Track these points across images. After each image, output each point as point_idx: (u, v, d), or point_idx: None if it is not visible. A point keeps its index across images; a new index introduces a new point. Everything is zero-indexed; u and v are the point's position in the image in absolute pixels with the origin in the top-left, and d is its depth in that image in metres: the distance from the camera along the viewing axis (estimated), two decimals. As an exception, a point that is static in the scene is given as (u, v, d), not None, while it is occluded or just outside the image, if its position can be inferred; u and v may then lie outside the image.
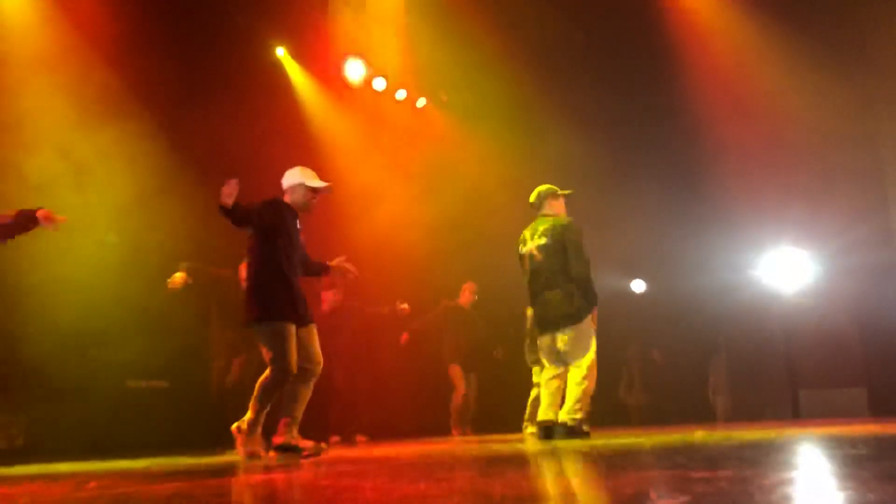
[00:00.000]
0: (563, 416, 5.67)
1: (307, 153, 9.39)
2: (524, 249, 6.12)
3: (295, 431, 4.91)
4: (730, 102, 9.95)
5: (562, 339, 5.87)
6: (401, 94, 10.75)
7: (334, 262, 5.42)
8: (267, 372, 4.84)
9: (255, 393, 4.84)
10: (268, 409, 4.86)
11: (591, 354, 5.87)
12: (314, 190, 5.11)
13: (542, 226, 6.04)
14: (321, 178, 5.21)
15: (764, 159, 10.04)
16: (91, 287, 6.90)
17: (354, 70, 10.20)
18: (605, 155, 10.79)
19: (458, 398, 8.70)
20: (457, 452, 4.84)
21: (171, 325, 7.39)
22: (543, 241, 5.94)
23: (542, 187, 6.28)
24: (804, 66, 9.16)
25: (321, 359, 5.04)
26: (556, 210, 6.15)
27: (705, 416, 11.49)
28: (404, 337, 8.73)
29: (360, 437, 8.21)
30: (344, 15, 9.79)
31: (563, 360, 5.92)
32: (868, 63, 9.79)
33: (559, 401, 5.84)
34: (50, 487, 3.22)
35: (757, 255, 10.88)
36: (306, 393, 4.97)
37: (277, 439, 4.88)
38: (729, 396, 11.44)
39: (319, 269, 5.47)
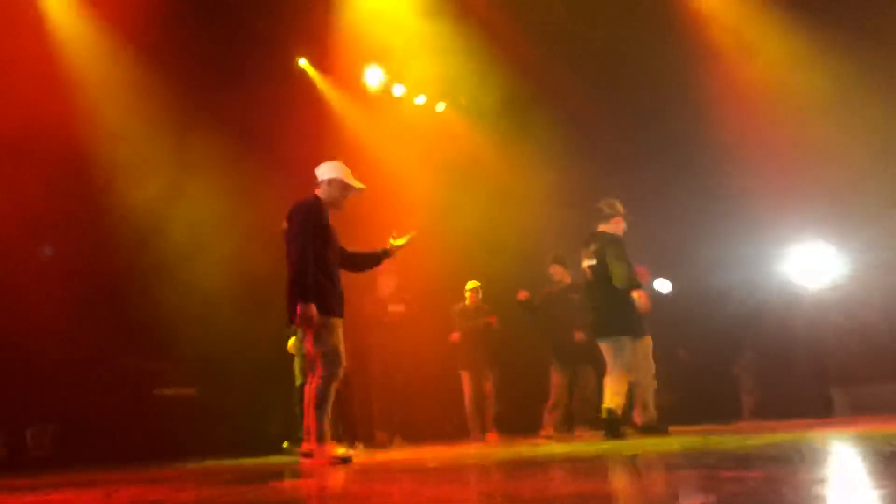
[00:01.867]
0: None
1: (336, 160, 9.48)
2: (583, 265, 6.76)
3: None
4: (754, 96, 9.85)
5: (604, 348, 6.42)
6: (420, 100, 10.78)
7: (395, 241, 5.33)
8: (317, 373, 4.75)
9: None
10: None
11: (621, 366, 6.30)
12: (350, 189, 5.05)
13: (593, 245, 6.65)
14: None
15: (789, 153, 9.93)
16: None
17: (373, 77, 10.24)
18: (626, 154, 10.74)
19: (466, 403, 8.71)
20: (484, 455, 4.83)
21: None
22: (594, 261, 6.58)
23: (610, 203, 6.87)
24: (830, 57, 9.04)
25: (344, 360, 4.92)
26: (611, 228, 6.74)
27: (733, 414, 11.38)
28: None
29: (398, 439, 8.22)
30: (361, 22, 9.82)
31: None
32: (895, 53, 9.65)
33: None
34: (80, 496, 3.25)
35: (783, 250, 10.77)
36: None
37: (305, 446, 4.91)
38: (757, 395, 11.32)
39: (374, 259, 5.45)
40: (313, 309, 4.61)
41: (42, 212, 6.72)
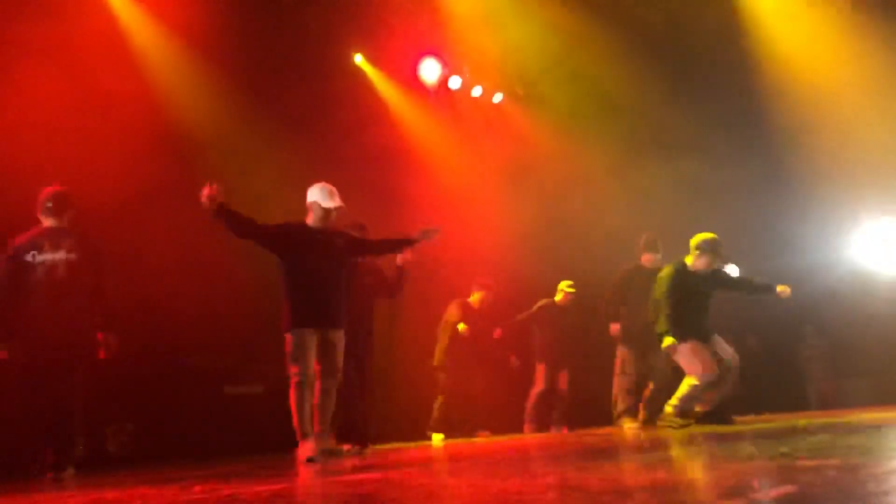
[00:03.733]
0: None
1: (396, 159, 9.56)
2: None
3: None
4: (820, 70, 9.54)
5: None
6: (476, 91, 10.74)
7: (416, 235, 5.67)
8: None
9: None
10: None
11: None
12: (327, 210, 5.41)
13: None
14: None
15: (859, 128, 9.58)
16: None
17: (430, 70, 10.23)
18: (692, 139, 10.53)
19: (533, 394, 8.72)
20: (551, 447, 4.81)
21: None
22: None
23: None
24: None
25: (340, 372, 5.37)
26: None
27: (804, 404, 11.10)
28: (497, 332, 8.66)
29: (481, 433, 8.26)
30: (417, 15, 9.82)
31: None
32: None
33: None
34: (159, 491, 3.34)
35: (856, 231, 10.44)
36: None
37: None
38: (831, 383, 11.02)
39: (398, 246, 5.93)
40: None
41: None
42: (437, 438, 8.00)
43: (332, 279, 5.36)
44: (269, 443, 6.87)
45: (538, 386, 8.73)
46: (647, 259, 8.08)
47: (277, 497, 2.70)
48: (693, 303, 6.76)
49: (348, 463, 4.81)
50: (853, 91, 9.42)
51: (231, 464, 5.60)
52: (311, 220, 5.45)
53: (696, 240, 6.85)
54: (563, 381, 8.74)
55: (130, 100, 7.18)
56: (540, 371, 8.76)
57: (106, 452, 6.65)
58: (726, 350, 6.75)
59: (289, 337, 5.15)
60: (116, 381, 6.66)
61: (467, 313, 8.46)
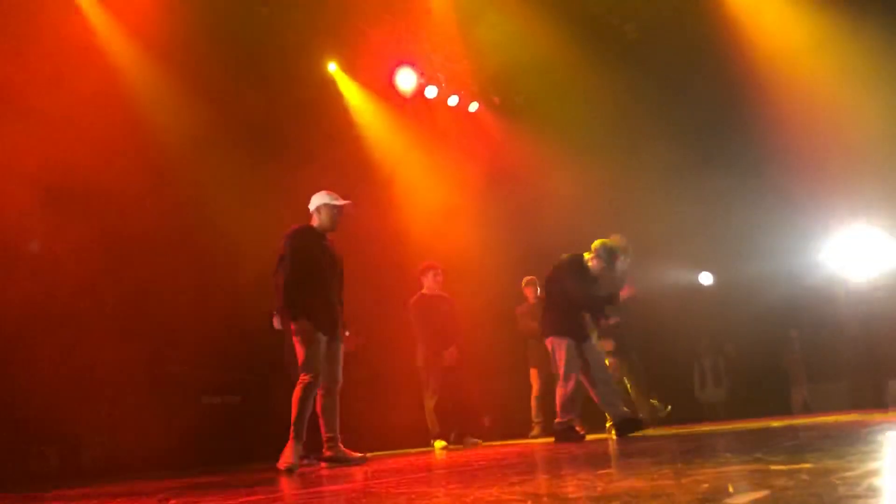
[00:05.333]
0: None
1: (367, 169, 9.55)
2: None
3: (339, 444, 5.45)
4: (794, 78, 9.64)
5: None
6: (453, 101, 10.76)
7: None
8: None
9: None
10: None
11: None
12: (336, 207, 5.54)
13: None
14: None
15: (832, 136, 9.70)
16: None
17: (406, 80, 10.22)
18: (666, 150, 10.62)
19: (533, 399, 8.79)
20: (530, 455, 4.81)
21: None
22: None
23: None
24: (872, 39, 8.83)
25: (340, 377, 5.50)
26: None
27: (783, 409, 11.18)
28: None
29: (472, 439, 8.21)
30: (393, 25, 9.84)
31: None
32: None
33: None
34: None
35: (829, 238, 10.55)
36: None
37: (327, 452, 5.40)
38: (807, 387, 11.12)
39: None
40: (305, 323, 5.20)
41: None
42: (439, 445, 7.90)
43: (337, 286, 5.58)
44: (247, 453, 6.83)
45: (534, 391, 8.78)
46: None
47: (254, 508, 2.69)
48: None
49: (328, 472, 4.79)
50: (830, 96, 9.52)
51: (208, 475, 5.55)
52: (317, 222, 5.55)
53: (597, 242, 6.84)
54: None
55: (101, 106, 7.12)
56: (533, 375, 8.79)
57: (77, 465, 6.57)
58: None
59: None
60: (92, 391, 6.60)
61: (430, 304, 8.26)
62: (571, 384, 6.41)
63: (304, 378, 5.21)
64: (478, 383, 8.60)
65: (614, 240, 7.08)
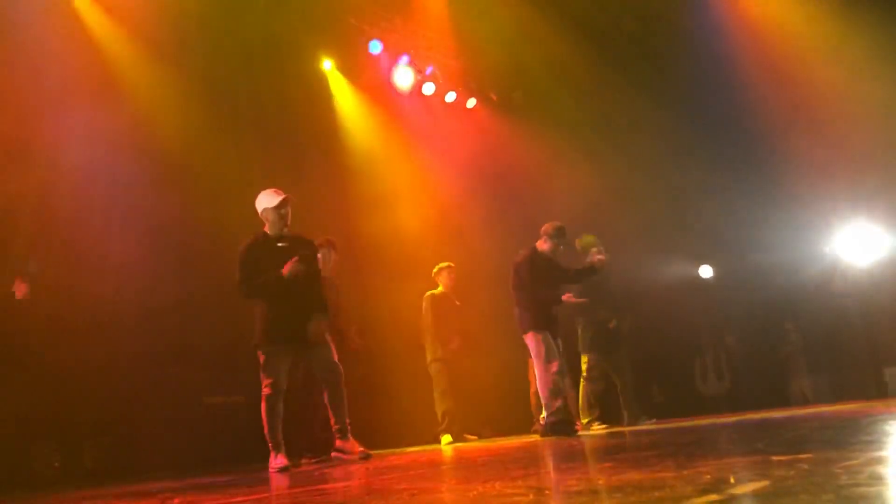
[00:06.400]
0: None
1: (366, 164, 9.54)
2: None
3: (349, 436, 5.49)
4: (796, 75, 9.63)
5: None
6: (450, 97, 10.74)
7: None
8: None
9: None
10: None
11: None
12: (278, 205, 5.40)
13: None
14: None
15: (833, 132, 9.70)
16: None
17: (403, 76, 10.20)
18: (667, 140, 10.61)
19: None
20: (532, 450, 4.81)
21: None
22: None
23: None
24: (874, 34, 8.82)
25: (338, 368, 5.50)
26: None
27: (785, 400, 11.19)
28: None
29: (468, 435, 8.21)
30: (390, 21, 9.82)
31: None
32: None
33: None
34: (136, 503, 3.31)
35: (829, 230, 10.56)
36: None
37: (337, 443, 5.49)
38: (809, 378, 11.13)
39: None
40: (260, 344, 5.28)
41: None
42: (446, 440, 7.91)
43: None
44: (249, 453, 6.82)
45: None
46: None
47: (256, 507, 2.69)
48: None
49: (329, 470, 4.79)
50: (832, 91, 9.51)
51: (210, 475, 5.55)
52: (269, 228, 5.45)
53: (544, 226, 7.06)
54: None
55: (94, 100, 7.10)
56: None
57: (81, 467, 6.56)
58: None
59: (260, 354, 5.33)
60: (94, 392, 6.59)
61: (442, 303, 8.31)
62: (554, 368, 6.53)
63: (263, 390, 5.25)
64: (481, 380, 8.58)
65: (586, 239, 7.57)
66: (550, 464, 3.40)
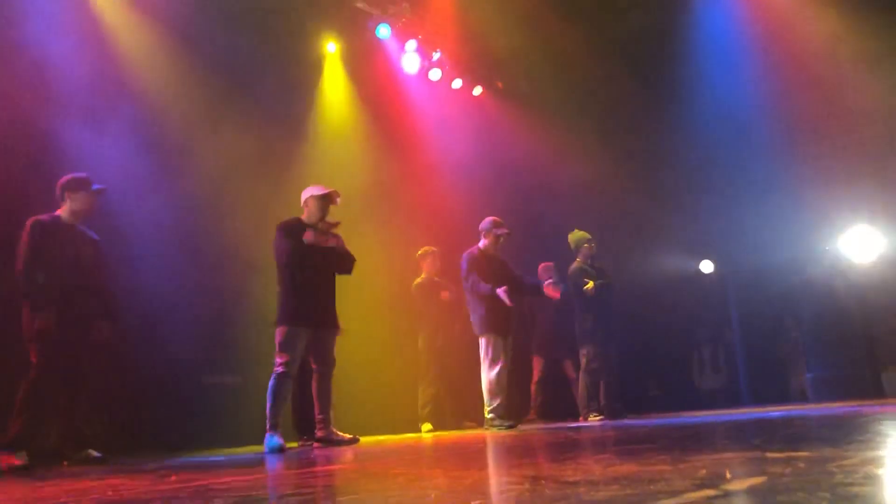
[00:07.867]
0: None
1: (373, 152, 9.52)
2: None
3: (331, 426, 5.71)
4: (800, 76, 9.60)
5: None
6: (457, 84, 10.70)
7: None
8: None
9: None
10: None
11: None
12: (324, 197, 5.73)
13: None
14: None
15: (834, 134, 9.69)
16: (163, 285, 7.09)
17: (409, 62, 10.14)
18: (669, 136, 10.59)
19: (532, 385, 8.85)
20: (529, 439, 4.83)
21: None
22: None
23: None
24: (875, 37, 8.78)
25: (333, 360, 5.75)
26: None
27: (783, 397, 11.21)
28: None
29: (468, 423, 8.24)
30: (397, 7, 9.76)
31: None
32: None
33: None
34: (133, 481, 3.32)
35: (830, 229, 10.55)
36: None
37: (319, 433, 5.68)
38: (807, 376, 11.15)
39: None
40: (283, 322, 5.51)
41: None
42: (426, 428, 7.93)
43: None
44: (247, 434, 6.84)
45: (535, 377, 8.84)
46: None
47: (251, 488, 2.70)
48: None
49: (320, 452, 4.81)
50: (836, 90, 9.48)
51: (207, 454, 5.58)
52: (308, 217, 5.75)
53: (482, 222, 7.24)
54: (569, 369, 8.71)
55: (104, 84, 7.09)
56: (536, 361, 8.84)
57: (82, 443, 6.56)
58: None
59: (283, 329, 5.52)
60: (89, 371, 6.58)
61: (431, 288, 8.32)
62: (497, 368, 6.78)
63: (276, 368, 5.42)
64: (472, 369, 8.62)
65: (578, 234, 7.93)
66: (546, 454, 3.40)
